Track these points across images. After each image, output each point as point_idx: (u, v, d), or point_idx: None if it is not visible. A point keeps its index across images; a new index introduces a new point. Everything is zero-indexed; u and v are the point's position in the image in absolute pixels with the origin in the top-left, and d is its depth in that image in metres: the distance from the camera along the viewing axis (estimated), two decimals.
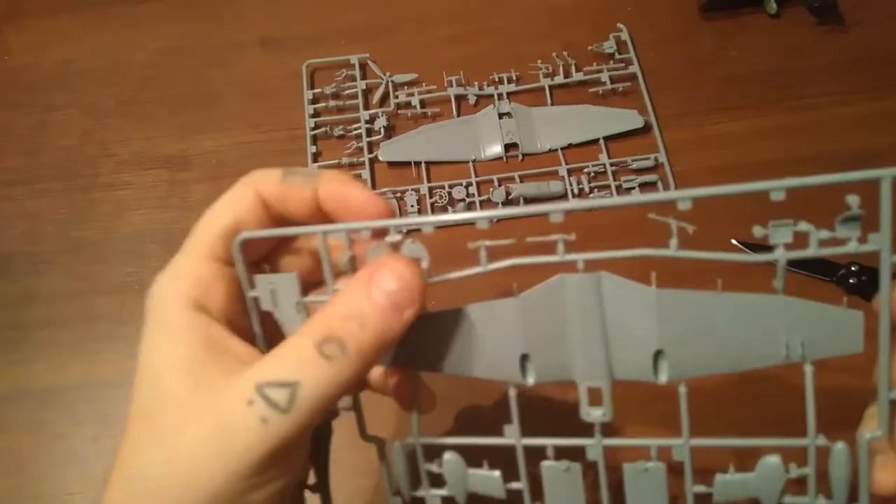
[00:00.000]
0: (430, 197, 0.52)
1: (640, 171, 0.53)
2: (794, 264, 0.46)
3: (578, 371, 0.25)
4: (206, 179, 0.55)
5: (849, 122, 0.54)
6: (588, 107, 0.56)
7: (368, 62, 0.58)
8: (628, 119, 0.55)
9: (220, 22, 0.62)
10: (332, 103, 0.57)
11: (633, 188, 0.52)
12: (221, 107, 0.58)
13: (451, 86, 0.57)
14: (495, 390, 0.27)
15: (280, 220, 0.27)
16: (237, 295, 0.26)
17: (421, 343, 0.26)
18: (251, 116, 0.57)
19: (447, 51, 0.59)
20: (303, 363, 0.23)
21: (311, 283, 0.28)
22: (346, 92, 0.57)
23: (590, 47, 0.58)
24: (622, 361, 0.25)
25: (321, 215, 0.27)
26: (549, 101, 0.56)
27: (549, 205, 0.23)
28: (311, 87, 0.58)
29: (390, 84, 0.57)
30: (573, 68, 0.57)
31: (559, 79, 0.57)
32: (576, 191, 0.52)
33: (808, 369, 0.24)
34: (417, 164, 0.54)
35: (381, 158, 0.54)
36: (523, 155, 0.54)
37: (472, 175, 0.53)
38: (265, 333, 0.27)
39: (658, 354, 0.25)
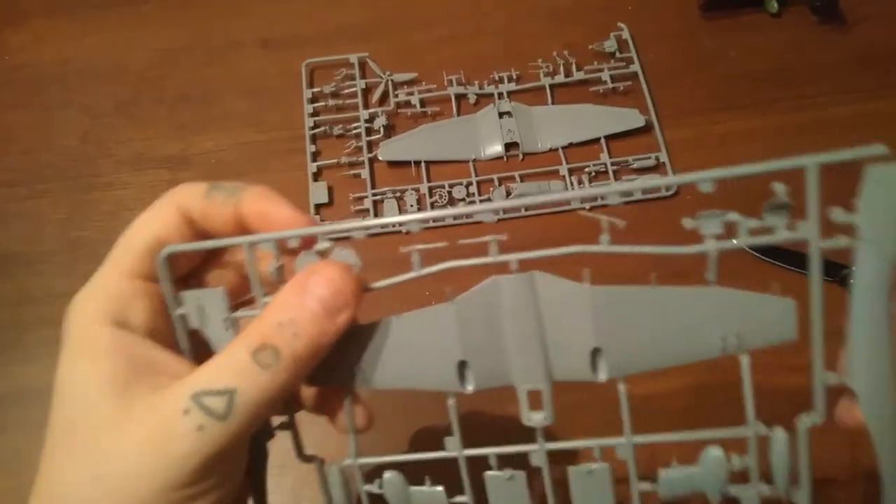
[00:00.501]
0: (430, 196, 0.52)
1: (641, 171, 0.53)
2: (795, 264, 0.46)
3: (517, 375, 0.25)
4: (205, 179, 0.54)
5: (850, 122, 0.54)
6: (589, 106, 0.56)
7: (368, 61, 0.58)
8: (629, 118, 0.54)
9: (220, 22, 0.62)
10: (331, 102, 0.57)
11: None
12: (221, 106, 0.58)
13: (452, 85, 0.57)
14: (436, 402, 0.26)
15: (204, 236, 0.27)
16: (162, 311, 0.26)
17: (352, 358, 0.26)
18: (251, 116, 0.57)
19: (447, 49, 0.59)
20: (239, 371, 0.23)
21: (240, 298, 0.28)
22: (346, 91, 0.57)
23: (590, 46, 0.58)
24: (561, 362, 0.25)
25: (245, 233, 0.26)
26: (549, 101, 0.56)
27: (480, 206, 0.24)
28: (311, 86, 0.58)
29: (390, 83, 0.57)
30: (574, 67, 0.57)
31: (560, 78, 0.57)
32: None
33: (745, 360, 0.24)
34: (417, 163, 0.54)
35: (380, 158, 0.54)
36: (524, 154, 0.54)
37: (473, 174, 0.53)
38: (193, 350, 0.26)
39: (596, 352, 0.25)
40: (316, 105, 0.57)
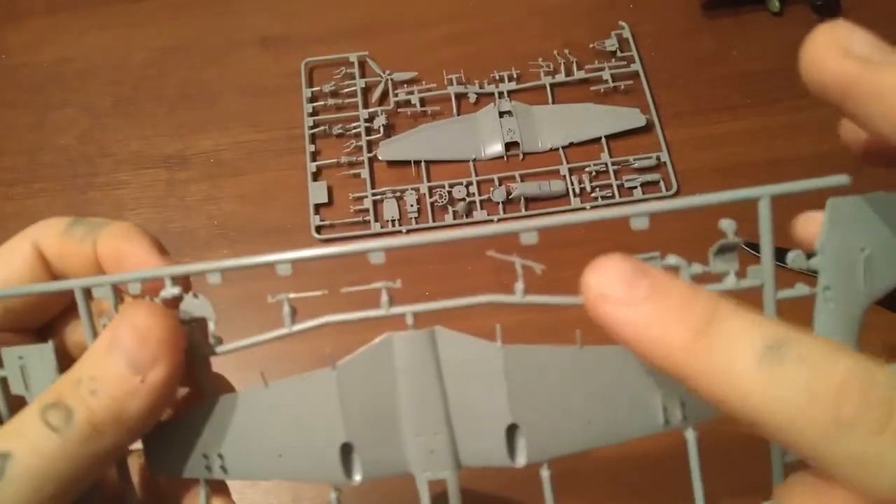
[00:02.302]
0: (430, 196, 0.52)
1: (642, 171, 0.52)
2: None
3: (415, 460, 0.20)
4: (204, 179, 0.54)
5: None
6: (589, 105, 0.55)
7: (367, 60, 0.58)
8: (630, 117, 0.54)
9: (219, 21, 0.62)
10: (330, 102, 0.57)
11: (636, 187, 0.52)
12: (220, 106, 0.58)
13: (451, 84, 0.56)
14: (324, 492, 0.22)
15: (62, 280, 0.23)
16: None
17: (205, 440, 0.21)
18: (250, 115, 0.57)
19: (447, 49, 0.59)
20: (21, 433, 0.19)
21: None
22: (345, 90, 0.57)
23: (591, 45, 0.58)
24: (470, 443, 0.20)
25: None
26: (550, 100, 0.56)
27: (368, 243, 0.19)
28: (310, 85, 0.58)
29: (390, 82, 0.57)
30: (574, 66, 0.57)
31: (560, 77, 0.56)
32: (577, 190, 0.52)
33: (691, 435, 0.20)
34: (417, 163, 0.53)
35: (380, 157, 0.54)
36: (524, 154, 0.54)
37: (473, 174, 0.53)
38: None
39: (512, 430, 0.20)
40: (315, 104, 0.57)
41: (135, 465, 0.23)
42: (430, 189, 0.52)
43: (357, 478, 0.21)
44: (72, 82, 0.60)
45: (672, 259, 0.19)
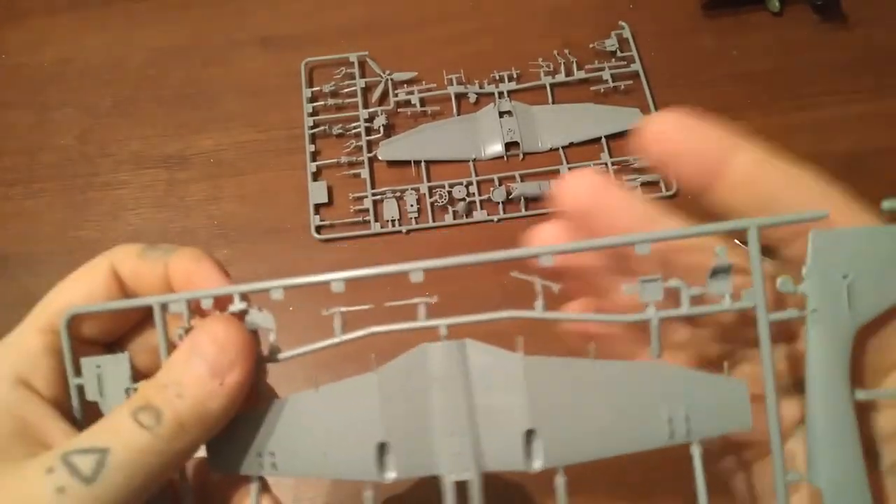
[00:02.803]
0: (430, 196, 0.52)
1: (642, 170, 0.52)
2: None
3: (444, 461, 0.22)
4: (204, 179, 0.54)
5: (851, 122, 0.54)
6: (590, 105, 0.55)
7: (367, 60, 0.58)
8: (630, 117, 0.54)
9: (219, 21, 0.62)
10: (330, 102, 0.57)
11: (636, 187, 0.52)
12: (220, 106, 0.58)
13: (452, 84, 0.56)
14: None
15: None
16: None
17: (258, 440, 0.23)
18: (250, 115, 0.57)
19: (447, 49, 0.59)
20: (115, 431, 0.21)
21: None
22: (345, 90, 0.57)
23: (591, 45, 0.58)
24: (492, 447, 0.22)
25: None
26: (550, 100, 0.56)
27: (409, 264, 0.21)
28: (310, 85, 0.58)
29: (389, 82, 0.57)
30: (574, 66, 0.57)
31: (560, 77, 0.56)
32: None
33: (696, 451, 0.21)
34: (417, 163, 0.53)
35: (380, 157, 0.54)
36: (524, 154, 0.54)
37: (473, 174, 0.53)
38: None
39: (530, 434, 0.22)
40: (315, 104, 0.57)
41: (187, 465, 0.25)
42: (430, 189, 0.52)
43: (391, 475, 0.22)
44: (72, 82, 0.59)
45: (673, 281, 0.21)
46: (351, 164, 0.54)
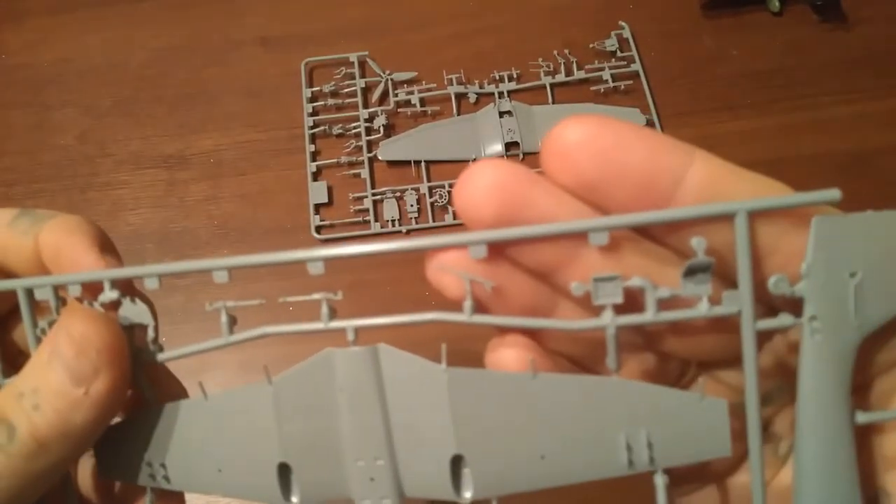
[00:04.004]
0: (430, 196, 0.52)
1: None
2: None
3: (356, 485, 0.19)
4: (204, 179, 0.54)
5: (851, 122, 0.54)
6: (590, 105, 0.55)
7: (367, 60, 0.58)
8: (630, 117, 0.54)
9: (219, 21, 0.62)
10: (330, 102, 0.56)
11: None
12: (220, 106, 0.58)
13: (452, 84, 0.56)
14: None
15: (5, 273, 0.21)
16: None
17: (151, 448, 0.20)
18: (250, 115, 0.57)
19: (447, 49, 0.59)
20: None
21: None
22: (345, 90, 0.57)
23: (591, 45, 0.58)
24: (414, 470, 0.19)
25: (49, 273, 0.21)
26: (550, 100, 0.56)
27: (303, 252, 0.18)
28: (310, 85, 0.58)
29: (390, 82, 0.57)
30: (574, 66, 0.57)
31: (560, 77, 0.56)
32: None
33: (660, 480, 0.18)
34: (417, 163, 0.53)
35: (380, 157, 0.54)
36: (524, 154, 0.54)
37: None
38: None
39: (457, 461, 0.18)
40: (315, 104, 0.57)
41: (88, 465, 0.23)
42: (430, 189, 0.52)
43: (295, 500, 0.20)
44: (72, 82, 0.59)
45: (636, 281, 0.17)
46: (351, 164, 0.54)
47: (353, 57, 0.58)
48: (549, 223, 0.17)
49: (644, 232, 0.18)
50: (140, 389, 0.21)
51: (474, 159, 0.54)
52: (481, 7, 0.61)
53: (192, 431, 0.20)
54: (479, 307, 0.18)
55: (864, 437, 0.18)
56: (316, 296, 0.18)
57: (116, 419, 0.21)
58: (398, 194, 0.52)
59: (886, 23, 0.58)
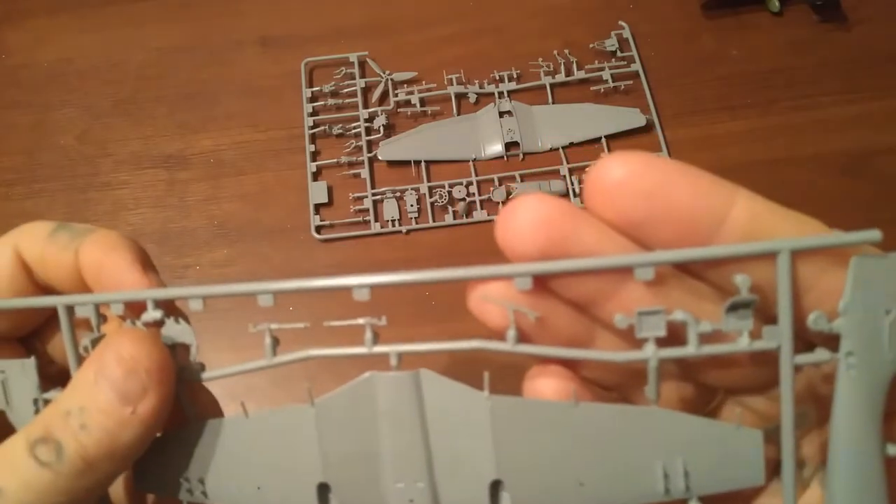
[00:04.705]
0: (430, 196, 0.52)
1: None
2: None
3: None
4: (204, 179, 0.54)
5: (851, 122, 0.54)
6: (590, 105, 0.55)
7: (367, 60, 0.58)
8: (630, 118, 0.54)
9: (219, 21, 0.62)
10: (330, 102, 0.57)
11: None
12: (220, 106, 0.58)
13: (452, 84, 0.56)
14: None
15: (45, 288, 0.22)
16: None
17: (190, 464, 0.21)
18: (250, 115, 0.57)
19: (447, 49, 0.59)
20: (10, 467, 0.18)
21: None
22: (345, 90, 0.57)
23: (591, 45, 0.58)
24: (453, 495, 0.19)
25: (89, 290, 0.21)
26: (550, 100, 0.56)
27: (349, 278, 0.18)
28: (310, 85, 0.58)
29: (390, 82, 0.57)
30: (574, 66, 0.57)
31: (560, 77, 0.56)
32: (577, 190, 0.52)
33: None
34: (417, 163, 0.53)
35: (380, 157, 0.54)
36: (524, 154, 0.54)
37: (473, 174, 0.53)
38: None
39: (496, 486, 0.19)
40: (315, 104, 0.57)
41: (121, 480, 0.23)
42: (430, 189, 0.52)
43: None
44: (72, 82, 0.59)
45: (679, 314, 0.18)
46: (351, 164, 0.54)
47: (353, 57, 0.58)
48: (593, 257, 0.17)
49: (684, 268, 0.18)
50: (180, 407, 0.21)
51: (474, 159, 0.54)
52: (481, 7, 0.61)
53: (232, 449, 0.20)
54: (522, 337, 0.18)
55: (894, 468, 0.18)
56: (360, 321, 0.19)
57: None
58: (398, 194, 0.52)
59: (886, 23, 0.58)
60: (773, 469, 0.20)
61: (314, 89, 0.57)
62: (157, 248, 0.52)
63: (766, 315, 0.18)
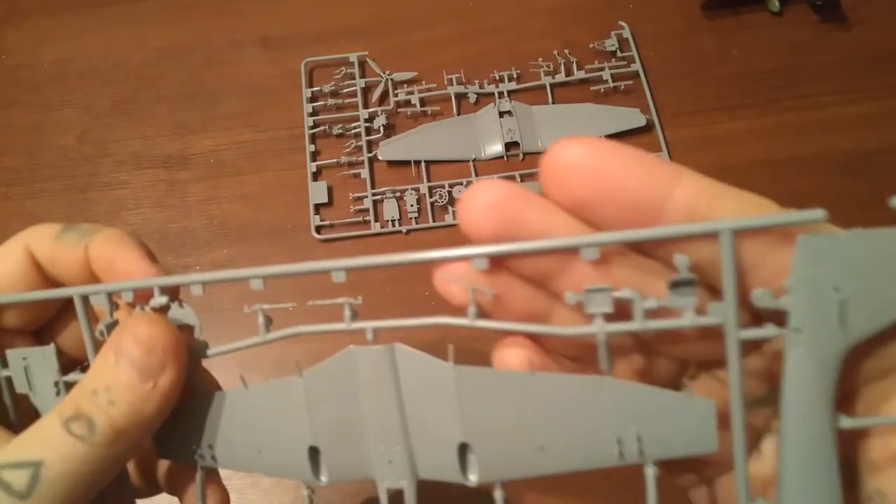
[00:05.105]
0: (430, 196, 0.52)
1: None
2: None
3: (377, 467, 0.21)
4: (204, 179, 0.54)
5: (851, 122, 0.54)
6: (590, 105, 0.55)
7: (367, 60, 0.58)
8: (630, 117, 0.54)
9: (219, 21, 0.62)
10: (330, 102, 0.57)
11: None
12: (220, 106, 0.58)
13: (452, 84, 0.56)
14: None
15: (55, 284, 0.24)
16: None
17: (199, 432, 0.23)
18: (250, 115, 0.57)
19: (447, 49, 0.59)
20: (47, 442, 0.20)
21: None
22: (345, 90, 0.57)
23: (591, 45, 0.58)
24: (426, 456, 0.21)
25: (98, 282, 0.23)
26: (550, 100, 0.56)
27: (326, 262, 0.20)
28: (310, 85, 0.58)
29: (390, 82, 0.57)
30: (574, 66, 0.57)
31: (560, 77, 0.56)
32: None
33: (650, 472, 0.19)
34: (417, 163, 0.53)
35: (380, 157, 0.54)
36: (524, 154, 0.54)
37: (473, 174, 0.53)
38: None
39: (463, 448, 0.21)
40: (315, 104, 0.57)
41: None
42: (430, 189, 0.52)
43: (324, 479, 0.22)
44: (72, 82, 0.60)
45: (625, 292, 0.18)
46: (351, 164, 0.54)
47: (353, 57, 0.58)
48: (543, 238, 0.18)
49: (634, 246, 0.19)
50: (191, 382, 0.23)
51: (474, 159, 0.54)
52: (481, 7, 0.61)
53: (235, 418, 0.23)
54: (482, 313, 0.20)
55: (852, 442, 0.19)
56: (340, 300, 0.21)
57: None
58: (398, 194, 0.52)
59: (886, 23, 0.58)
60: (752, 440, 0.21)
61: (314, 89, 0.57)
62: (157, 248, 0.51)
63: (718, 290, 0.18)
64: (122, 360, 0.21)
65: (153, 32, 0.61)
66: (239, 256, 0.51)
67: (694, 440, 0.19)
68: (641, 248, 0.19)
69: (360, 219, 0.52)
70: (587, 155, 0.17)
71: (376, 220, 0.51)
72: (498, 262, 0.19)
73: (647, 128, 0.54)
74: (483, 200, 0.18)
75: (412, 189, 0.52)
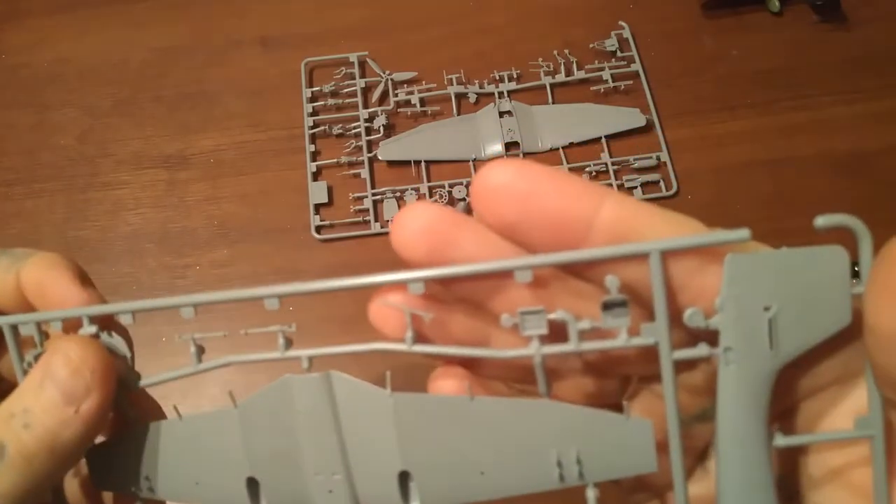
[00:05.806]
0: (430, 196, 0.52)
1: (642, 171, 0.52)
2: None
3: (318, 497, 0.21)
4: (204, 179, 0.54)
5: (851, 122, 0.54)
6: (590, 105, 0.55)
7: (368, 60, 0.58)
8: (630, 117, 0.54)
9: (219, 21, 0.62)
10: (330, 102, 0.57)
11: (636, 187, 0.52)
12: (220, 106, 0.58)
13: (452, 84, 0.56)
14: None
15: None
16: None
17: (138, 462, 0.22)
18: (250, 115, 0.57)
19: (447, 49, 0.59)
20: None
21: None
22: (345, 90, 0.57)
23: (591, 45, 0.58)
24: (367, 485, 0.20)
25: (32, 309, 0.22)
26: (550, 100, 0.56)
27: (259, 289, 0.20)
28: (310, 85, 0.58)
29: (390, 82, 0.57)
30: (574, 66, 0.57)
31: (560, 77, 0.56)
32: None
33: (591, 494, 0.19)
34: (417, 163, 0.53)
35: (380, 157, 0.54)
36: (524, 154, 0.54)
37: (473, 174, 0.53)
38: None
39: (404, 476, 0.20)
40: (315, 104, 0.57)
41: (78, 479, 0.24)
42: (430, 189, 0.52)
43: None
44: (71, 82, 0.60)
45: (559, 313, 0.18)
46: (351, 164, 0.54)
47: (353, 57, 0.58)
48: (475, 262, 0.18)
49: (567, 268, 0.19)
50: (123, 413, 0.23)
51: (474, 159, 0.54)
52: (481, 7, 0.61)
53: (172, 449, 0.22)
54: (421, 338, 0.20)
55: (793, 458, 0.19)
56: (273, 328, 0.20)
57: (100, 438, 0.22)
58: (398, 194, 0.52)
59: (886, 23, 0.58)
60: (698, 456, 0.21)
61: (314, 89, 0.57)
62: (157, 248, 0.52)
63: (651, 310, 0.18)
64: (47, 382, 0.20)
65: (153, 32, 0.61)
66: (239, 256, 0.51)
67: (634, 461, 0.19)
68: (574, 271, 0.19)
69: (360, 219, 0.52)
70: (514, 178, 0.17)
71: (376, 220, 0.51)
72: (433, 287, 0.19)
73: (647, 128, 0.54)
74: (415, 224, 0.18)
75: (412, 189, 0.52)
